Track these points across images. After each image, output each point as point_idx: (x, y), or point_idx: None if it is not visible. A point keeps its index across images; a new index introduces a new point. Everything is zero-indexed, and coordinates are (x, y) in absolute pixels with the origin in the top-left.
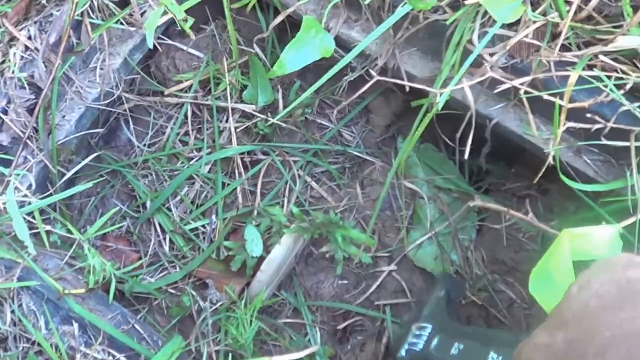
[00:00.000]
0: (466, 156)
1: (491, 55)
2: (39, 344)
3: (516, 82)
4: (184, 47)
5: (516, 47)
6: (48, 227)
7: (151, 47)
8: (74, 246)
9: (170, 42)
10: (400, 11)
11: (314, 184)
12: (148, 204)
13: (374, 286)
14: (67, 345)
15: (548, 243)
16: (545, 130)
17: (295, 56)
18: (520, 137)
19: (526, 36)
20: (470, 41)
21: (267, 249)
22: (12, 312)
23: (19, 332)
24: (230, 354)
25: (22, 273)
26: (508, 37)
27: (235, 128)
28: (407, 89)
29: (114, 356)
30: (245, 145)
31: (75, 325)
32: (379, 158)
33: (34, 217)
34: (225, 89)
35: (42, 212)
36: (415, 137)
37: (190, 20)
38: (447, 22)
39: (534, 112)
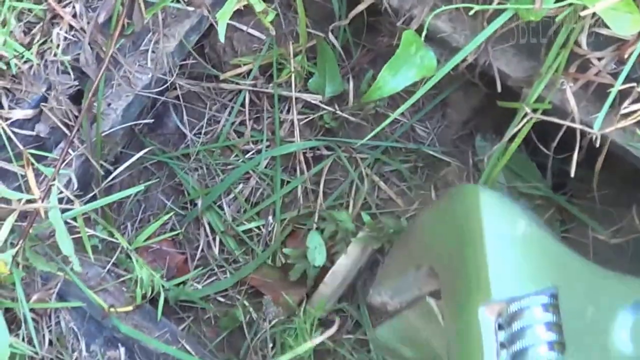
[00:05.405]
0: (572, 174)
1: (599, 59)
2: None
3: None
4: (244, 27)
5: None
6: (90, 231)
7: (223, 40)
8: (116, 252)
9: (228, 20)
10: (504, 16)
11: (382, 184)
12: (198, 201)
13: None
14: None
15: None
16: None
17: (393, 78)
18: (622, 147)
19: None
20: (577, 43)
21: (330, 258)
22: (50, 331)
23: (56, 356)
24: None
25: (61, 286)
26: (619, 39)
27: (299, 120)
28: (499, 88)
29: None
30: (310, 141)
31: (122, 349)
32: (456, 157)
33: (74, 219)
34: (289, 76)
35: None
36: (511, 149)
37: (272, 14)
38: (557, 19)
39: None
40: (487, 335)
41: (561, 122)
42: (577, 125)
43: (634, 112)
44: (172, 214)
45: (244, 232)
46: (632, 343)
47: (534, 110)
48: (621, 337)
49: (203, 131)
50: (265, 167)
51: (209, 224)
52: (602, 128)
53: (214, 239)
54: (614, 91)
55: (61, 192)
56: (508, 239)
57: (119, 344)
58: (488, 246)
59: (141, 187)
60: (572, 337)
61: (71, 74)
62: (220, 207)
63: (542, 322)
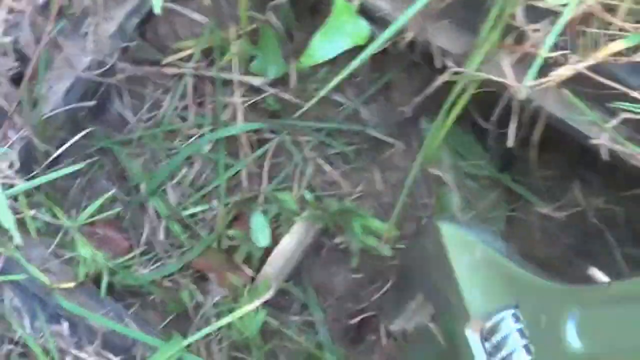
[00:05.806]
0: (510, 144)
1: (535, 31)
2: (23, 345)
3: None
4: (186, 11)
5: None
6: (33, 212)
7: (158, 12)
8: (60, 234)
9: (170, 4)
10: None
11: (327, 167)
12: (142, 186)
13: (391, 282)
14: (55, 346)
15: (585, 236)
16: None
17: (325, 45)
18: (562, 121)
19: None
20: (513, 16)
21: (275, 239)
22: None
23: (1, 332)
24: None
25: (3, 265)
26: (555, 11)
27: (242, 103)
28: (440, 65)
29: (108, 359)
30: (252, 123)
31: (65, 324)
32: (400, 140)
33: (15, 200)
34: (231, 60)
35: (25, 194)
36: (446, 124)
37: None
38: None
39: (578, 94)
40: (478, 351)
41: (492, 77)
42: (510, 83)
43: (563, 75)
44: (113, 194)
45: (189, 216)
46: (582, 343)
47: (469, 83)
48: (572, 339)
49: (146, 116)
50: (210, 151)
51: (154, 209)
52: (533, 92)
53: (159, 224)
54: (541, 54)
55: (3, 172)
56: (471, 264)
57: (62, 319)
58: (457, 273)
59: (82, 164)
60: (533, 343)
61: (12, 56)
62: (165, 192)
63: (516, 330)
